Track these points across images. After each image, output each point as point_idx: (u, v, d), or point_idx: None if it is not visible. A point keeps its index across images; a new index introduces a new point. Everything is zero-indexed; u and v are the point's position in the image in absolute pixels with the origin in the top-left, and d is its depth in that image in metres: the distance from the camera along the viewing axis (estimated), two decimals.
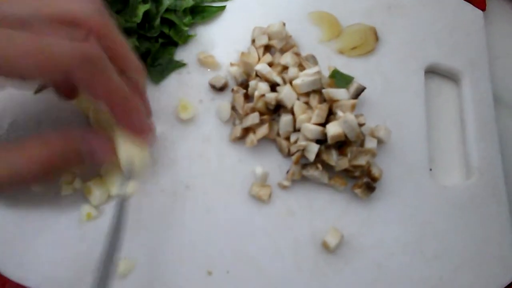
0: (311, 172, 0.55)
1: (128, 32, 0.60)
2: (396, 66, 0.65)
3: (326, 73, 0.62)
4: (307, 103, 0.56)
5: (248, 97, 0.59)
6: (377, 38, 0.66)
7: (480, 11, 0.71)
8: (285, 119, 0.56)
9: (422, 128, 0.61)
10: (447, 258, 0.54)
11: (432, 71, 0.67)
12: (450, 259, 0.54)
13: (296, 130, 0.56)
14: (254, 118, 0.56)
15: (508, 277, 0.54)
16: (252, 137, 0.56)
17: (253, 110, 0.57)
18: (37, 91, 0.56)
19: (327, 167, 0.55)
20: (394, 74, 0.64)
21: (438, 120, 0.64)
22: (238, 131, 0.57)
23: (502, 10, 0.74)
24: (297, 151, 0.55)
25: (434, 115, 0.64)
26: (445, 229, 0.56)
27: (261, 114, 0.57)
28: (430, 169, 0.59)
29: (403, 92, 0.63)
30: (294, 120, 0.56)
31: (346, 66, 0.64)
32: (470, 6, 0.71)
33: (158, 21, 0.62)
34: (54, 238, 0.52)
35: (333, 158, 0.54)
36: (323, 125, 0.54)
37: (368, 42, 0.66)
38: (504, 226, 0.57)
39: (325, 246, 0.53)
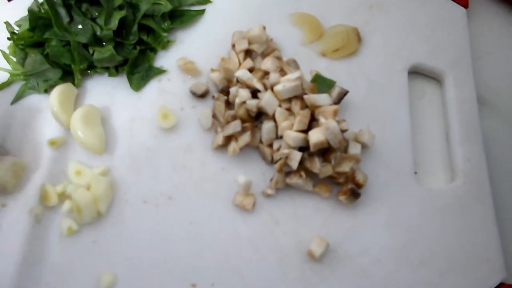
0: (295, 180, 0.54)
1: (104, 40, 0.59)
2: (379, 68, 0.64)
3: (308, 77, 0.61)
4: (289, 109, 0.55)
5: (229, 104, 0.58)
6: (359, 39, 0.65)
7: (463, 9, 0.70)
8: (267, 126, 0.55)
9: (406, 131, 0.60)
10: (433, 263, 0.54)
11: (415, 71, 0.66)
12: (437, 265, 0.54)
13: (279, 136, 0.55)
14: (235, 126, 0.55)
15: (495, 279, 0.54)
16: (234, 145, 0.55)
17: (234, 117, 0.56)
18: None
19: (311, 174, 0.55)
20: (377, 75, 0.64)
21: (422, 122, 0.63)
22: (220, 139, 0.56)
23: (484, 8, 0.73)
24: (280, 159, 0.54)
25: (418, 117, 0.63)
26: (431, 234, 0.55)
27: (243, 121, 0.56)
28: (415, 173, 0.59)
29: (386, 94, 0.62)
30: (277, 127, 0.55)
31: (328, 68, 0.63)
32: (452, 3, 0.70)
33: (135, 27, 0.61)
34: None
35: (316, 165, 0.53)
36: (306, 131, 0.53)
37: (350, 43, 0.65)
38: (490, 228, 0.56)
39: (310, 255, 0.52)
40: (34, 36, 0.59)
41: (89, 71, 0.60)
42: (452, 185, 0.59)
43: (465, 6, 0.70)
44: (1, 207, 0.53)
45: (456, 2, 0.70)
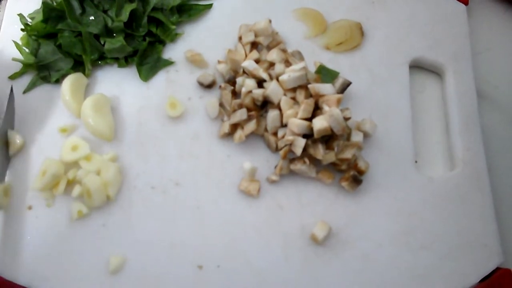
0: (299, 166, 0.55)
1: (115, 31, 0.61)
2: (381, 61, 0.66)
3: (312, 69, 0.63)
4: (293, 98, 0.57)
5: (235, 94, 0.60)
6: (362, 34, 0.67)
7: (462, 5, 0.72)
8: (273, 114, 0.57)
9: (407, 121, 0.62)
10: (433, 248, 0.55)
11: (416, 65, 0.68)
12: (436, 249, 0.55)
13: (283, 125, 0.57)
14: (242, 114, 0.57)
15: (492, 264, 0.55)
16: (240, 133, 0.57)
17: (240, 106, 0.58)
18: None
19: (315, 161, 0.56)
20: (379, 68, 0.65)
21: (422, 113, 0.65)
22: (226, 127, 0.58)
23: (484, 5, 0.75)
24: (285, 146, 0.56)
25: (418, 109, 0.65)
26: (431, 220, 0.57)
27: (249, 110, 0.57)
28: (416, 161, 0.60)
29: (388, 86, 0.64)
30: (281, 116, 0.57)
31: (332, 61, 0.65)
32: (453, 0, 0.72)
33: (145, 20, 0.62)
34: None
35: (320, 152, 0.55)
36: (310, 119, 0.55)
37: (353, 37, 0.66)
38: (488, 215, 0.58)
39: (313, 239, 0.54)
40: (47, 27, 0.61)
41: (99, 62, 0.62)
42: (451, 174, 0.60)
43: (465, 3, 0.72)
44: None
45: None
